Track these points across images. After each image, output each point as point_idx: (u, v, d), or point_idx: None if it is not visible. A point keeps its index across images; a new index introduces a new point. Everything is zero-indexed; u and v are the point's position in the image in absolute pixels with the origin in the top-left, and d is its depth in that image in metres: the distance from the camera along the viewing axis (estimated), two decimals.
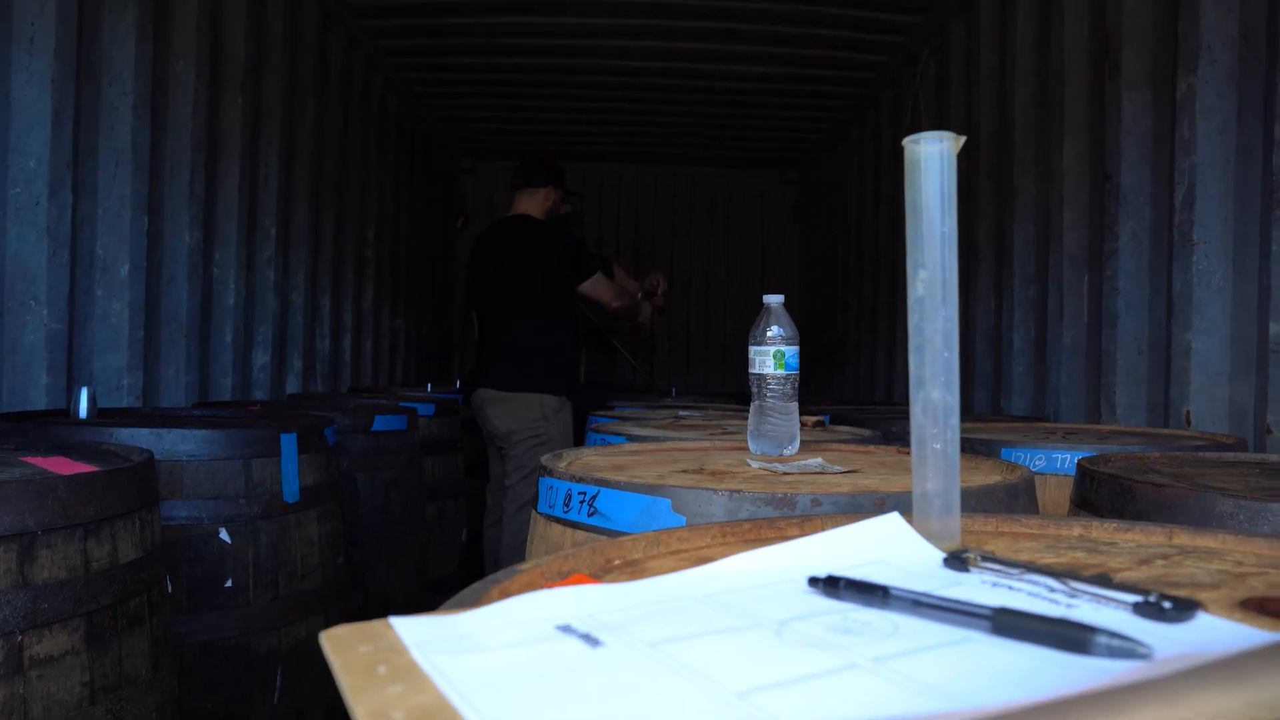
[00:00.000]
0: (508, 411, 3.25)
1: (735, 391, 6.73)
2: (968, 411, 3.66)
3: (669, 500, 0.94)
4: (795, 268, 7.27)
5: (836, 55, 4.57)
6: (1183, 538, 0.67)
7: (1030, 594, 0.48)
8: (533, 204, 3.37)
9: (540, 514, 1.11)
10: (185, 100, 2.76)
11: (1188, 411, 2.22)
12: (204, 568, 1.70)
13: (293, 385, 3.69)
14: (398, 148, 5.21)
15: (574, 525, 1.03)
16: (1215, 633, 0.41)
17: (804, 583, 0.48)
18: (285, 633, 1.82)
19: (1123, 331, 2.53)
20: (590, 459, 1.31)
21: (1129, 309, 2.52)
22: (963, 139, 0.64)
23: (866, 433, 1.91)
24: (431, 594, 3.07)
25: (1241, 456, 1.51)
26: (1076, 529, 0.72)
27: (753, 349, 1.37)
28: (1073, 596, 0.47)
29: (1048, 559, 0.61)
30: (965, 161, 3.72)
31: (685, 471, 1.18)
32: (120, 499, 1.18)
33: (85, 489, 1.12)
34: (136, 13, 2.45)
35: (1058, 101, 2.91)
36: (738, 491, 0.92)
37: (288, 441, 1.85)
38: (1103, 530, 0.71)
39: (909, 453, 1.47)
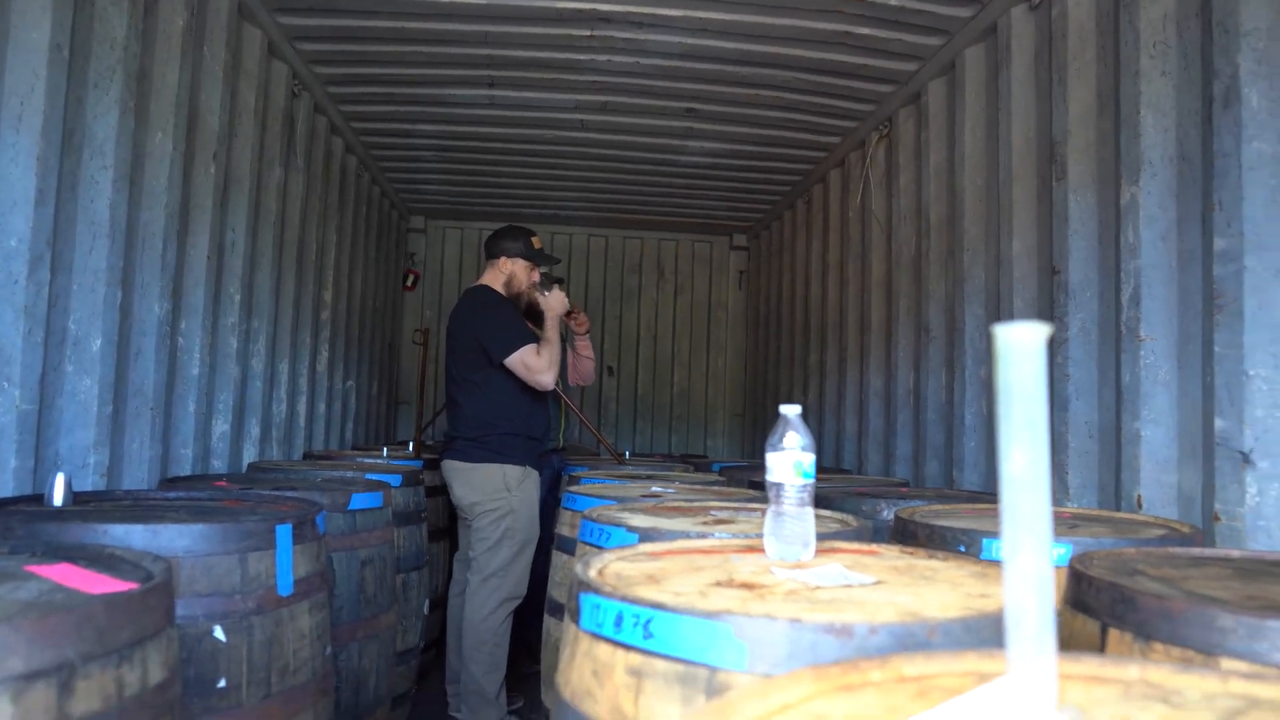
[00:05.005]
0: (469, 483, 3.25)
1: (684, 454, 6.81)
2: (921, 482, 3.80)
3: (731, 627, 0.98)
4: (741, 331, 7.45)
5: (790, 136, 4.78)
6: (1237, 684, 0.75)
7: None
8: (490, 275, 3.41)
9: (584, 631, 1.14)
10: (161, 171, 2.73)
11: (1139, 496, 2.37)
12: (198, 669, 1.65)
13: (249, 453, 3.60)
14: (354, 209, 5.20)
15: (627, 648, 1.06)
16: None
17: None
18: None
19: (1074, 415, 2.70)
20: (618, 567, 1.35)
21: (1079, 395, 2.69)
22: (1051, 328, 0.71)
23: (853, 520, 1.98)
24: (396, 668, 3.01)
25: (1209, 553, 1.63)
26: (1134, 669, 0.79)
27: (770, 457, 1.43)
28: None
29: (1141, 715, 0.68)
30: (916, 243, 3.93)
31: (720, 584, 1.23)
32: (152, 619, 1.16)
33: (121, 613, 1.10)
34: (121, 87, 2.43)
35: (1006, 196, 3.12)
36: (798, 621, 0.97)
37: (283, 533, 1.82)
38: (1159, 673, 0.78)
39: (914, 553, 1.53)
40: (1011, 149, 3.07)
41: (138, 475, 2.68)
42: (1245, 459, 2.00)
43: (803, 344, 5.70)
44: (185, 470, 3.05)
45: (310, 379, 4.39)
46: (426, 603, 3.47)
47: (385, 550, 2.70)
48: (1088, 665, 0.82)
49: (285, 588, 1.82)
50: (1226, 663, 1.04)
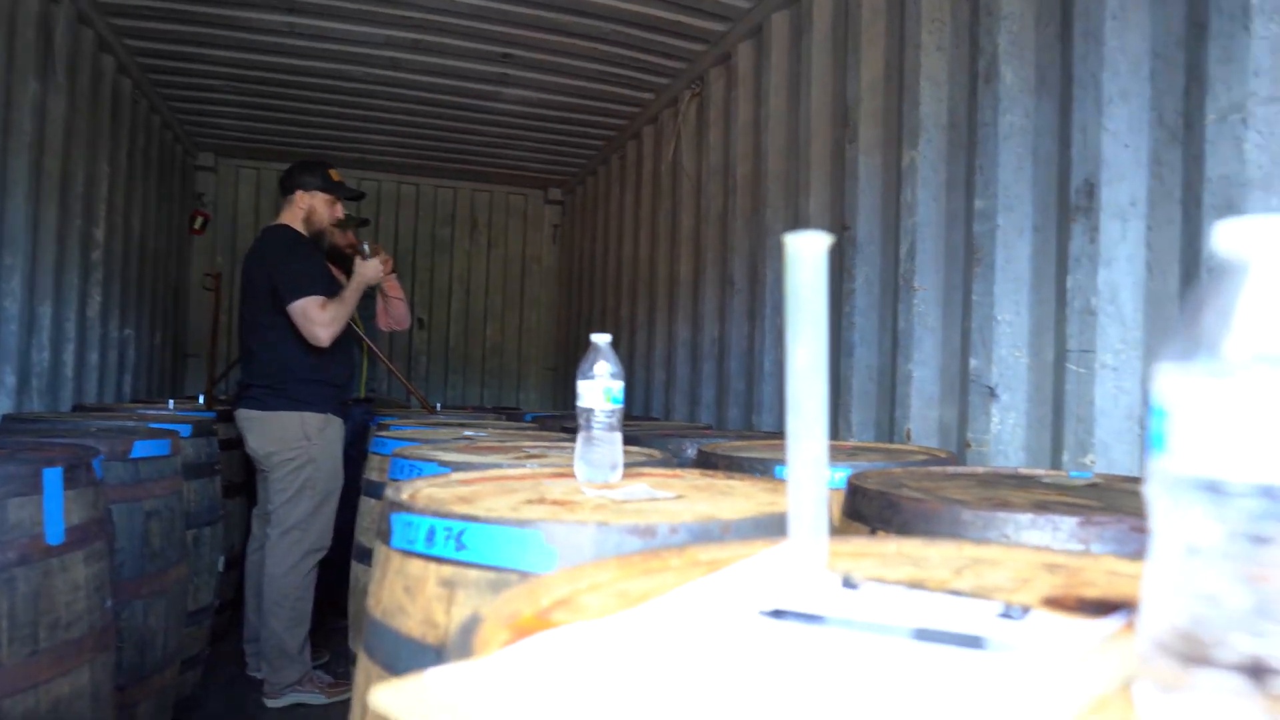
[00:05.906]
0: (265, 432, 3.09)
1: (495, 405, 6.78)
2: (723, 426, 4.03)
3: (541, 533, 1.02)
4: (554, 285, 7.47)
5: (606, 90, 4.82)
6: (969, 549, 0.88)
7: (919, 606, 0.64)
8: (289, 213, 3.24)
9: (395, 550, 1.14)
10: None
11: (909, 429, 2.65)
12: None
13: (4, 404, 3.21)
14: (130, 139, 4.68)
15: (439, 560, 1.07)
16: (1047, 624, 0.59)
17: (754, 613, 0.60)
18: (46, 690, 1.63)
19: (858, 360, 2.96)
20: (430, 491, 1.35)
21: (863, 342, 2.95)
22: (833, 239, 0.79)
23: (656, 453, 2.09)
24: (187, 628, 2.82)
25: (959, 470, 1.87)
26: (892, 545, 0.91)
27: (581, 384, 1.48)
28: (951, 607, 0.63)
29: (894, 573, 0.79)
30: (723, 199, 4.10)
31: (531, 502, 1.27)
32: None
33: None
34: None
35: (805, 156, 3.33)
36: (604, 524, 1.02)
37: (51, 477, 1.66)
38: (911, 546, 0.91)
39: (714, 475, 1.64)
40: (811, 112, 3.28)
41: None
42: (991, 393, 2.29)
43: (615, 298, 5.82)
44: None
45: (79, 325, 3.96)
46: (221, 560, 3.28)
47: (173, 502, 2.52)
48: (855, 545, 0.93)
49: (55, 536, 1.66)
50: None
